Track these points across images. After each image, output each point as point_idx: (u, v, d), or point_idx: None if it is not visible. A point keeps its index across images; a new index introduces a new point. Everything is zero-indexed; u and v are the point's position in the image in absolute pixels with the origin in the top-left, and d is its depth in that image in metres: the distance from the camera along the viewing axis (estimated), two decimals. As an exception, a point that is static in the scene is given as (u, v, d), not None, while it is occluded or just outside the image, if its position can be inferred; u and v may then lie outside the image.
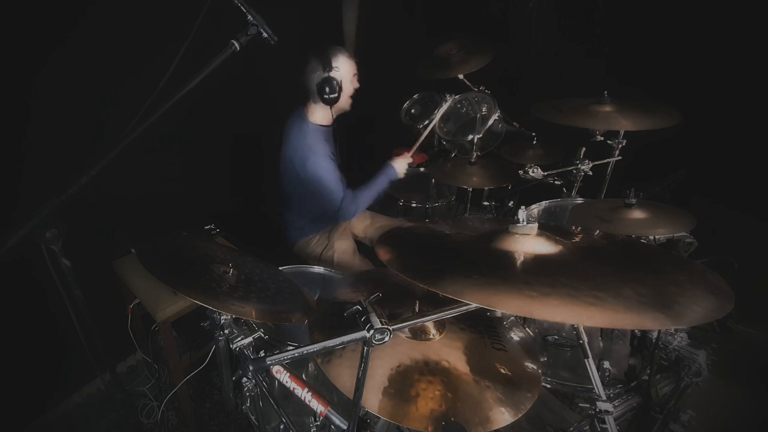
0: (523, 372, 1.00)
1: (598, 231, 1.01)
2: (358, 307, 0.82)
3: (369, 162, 2.26)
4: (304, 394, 0.94)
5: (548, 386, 1.29)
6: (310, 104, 1.83)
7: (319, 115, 1.83)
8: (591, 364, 0.96)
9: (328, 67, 1.71)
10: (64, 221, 0.99)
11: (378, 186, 1.90)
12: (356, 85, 1.83)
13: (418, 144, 2.03)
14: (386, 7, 2.76)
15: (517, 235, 0.86)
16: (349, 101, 1.84)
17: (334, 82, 1.70)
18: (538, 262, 0.79)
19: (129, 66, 1.63)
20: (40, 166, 1.49)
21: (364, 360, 0.79)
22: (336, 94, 1.72)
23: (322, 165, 1.76)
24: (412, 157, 2.01)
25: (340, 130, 2.08)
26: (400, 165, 1.96)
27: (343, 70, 1.74)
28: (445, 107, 2.08)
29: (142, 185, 1.82)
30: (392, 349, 0.98)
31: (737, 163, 1.97)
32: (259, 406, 1.16)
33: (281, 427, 1.10)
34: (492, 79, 2.17)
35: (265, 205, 2.29)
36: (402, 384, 0.92)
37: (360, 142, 2.20)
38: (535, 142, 2.11)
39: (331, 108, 1.80)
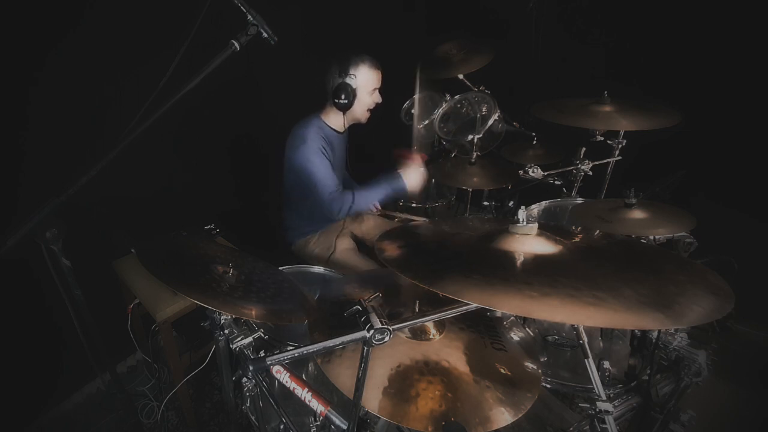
0: (523, 372, 1.00)
1: (598, 231, 1.01)
2: (358, 307, 0.82)
3: (367, 163, 2.26)
4: (304, 394, 0.94)
5: (548, 386, 1.28)
6: (327, 106, 1.85)
7: (333, 118, 1.85)
8: (591, 364, 0.96)
9: (344, 73, 1.72)
10: (64, 221, 0.99)
11: (379, 192, 1.83)
12: (377, 99, 1.82)
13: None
14: (386, 6, 2.76)
15: (517, 235, 0.86)
16: (366, 114, 1.84)
17: (348, 89, 1.70)
18: (538, 262, 0.79)
19: (129, 66, 1.63)
20: (40, 166, 1.49)
21: (364, 360, 0.79)
22: (347, 101, 1.71)
23: (311, 158, 1.75)
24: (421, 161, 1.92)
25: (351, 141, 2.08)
26: (412, 177, 1.83)
27: (361, 79, 1.73)
28: (444, 107, 2.08)
29: (142, 185, 1.82)
30: (392, 349, 0.98)
31: (737, 163, 1.97)
32: (259, 406, 1.16)
33: (281, 427, 1.10)
34: (492, 79, 2.17)
35: (265, 206, 2.29)
36: (402, 384, 0.92)
37: (359, 142, 2.20)
38: (535, 142, 2.11)
39: (344, 114, 1.81)
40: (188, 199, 2.06)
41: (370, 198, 1.83)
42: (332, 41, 2.27)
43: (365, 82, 1.74)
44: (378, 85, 1.79)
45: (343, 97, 1.70)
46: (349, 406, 0.85)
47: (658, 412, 1.19)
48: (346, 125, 1.91)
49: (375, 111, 1.88)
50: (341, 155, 1.99)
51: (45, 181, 1.18)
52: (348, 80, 1.72)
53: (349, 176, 2.16)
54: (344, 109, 1.75)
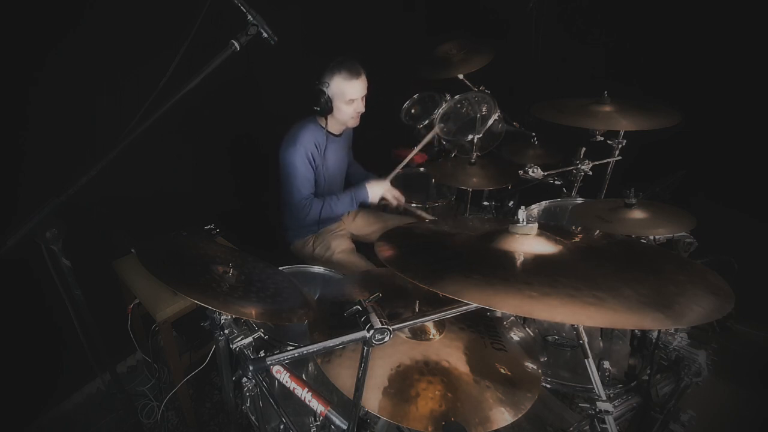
0: (523, 372, 1.00)
1: (598, 231, 1.01)
2: (358, 307, 0.82)
3: (367, 163, 2.26)
4: (304, 394, 0.94)
5: (548, 386, 1.28)
6: None
7: (329, 122, 1.86)
8: (591, 364, 0.96)
9: (320, 80, 1.76)
10: (64, 221, 0.99)
11: (342, 202, 1.88)
12: (358, 108, 1.82)
13: (395, 171, 2.01)
14: (386, 6, 2.76)
15: (517, 235, 0.86)
16: (352, 121, 1.86)
17: (322, 97, 1.74)
18: (538, 262, 0.79)
19: (129, 66, 1.63)
20: (40, 166, 1.49)
21: (364, 360, 0.79)
22: (319, 108, 1.76)
23: (295, 161, 1.78)
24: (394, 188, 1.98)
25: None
26: (375, 189, 1.92)
27: (334, 89, 1.75)
28: (444, 107, 2.08)
29: (142, 185, 1.82)
30: (392, 349, 0.98)
31: (737, 163, 1.96)
32: (259, 406, 1.16)
33: (281, 427, 1.10)
34: (492, 79, 2.17)
35: (265, 206, 2.29)
36: (402, 384, 0.92)
37: (359, 142, 2.20)
38: (535, 142, 2.11)
39: (326, 119, 1.83)
40: (188, 199, 2.06)
41: (337, 208, 1.88)
42: (332, 41, 2.28)
43: (338, 92, 1.75)
44: (356, 95, 1.77)
45: (317, 103, 1.75)
46: (349, 406, 0.85)
47: (658, 412, 1.20)
48: (339, 129, 1.92)
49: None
50: (339, 157, 1.99)
51: (45, 181, 1.18)
52: (323, 87, 1.75)
53: (362, 169, 2.24)
54: (319, 114, 1.80)
